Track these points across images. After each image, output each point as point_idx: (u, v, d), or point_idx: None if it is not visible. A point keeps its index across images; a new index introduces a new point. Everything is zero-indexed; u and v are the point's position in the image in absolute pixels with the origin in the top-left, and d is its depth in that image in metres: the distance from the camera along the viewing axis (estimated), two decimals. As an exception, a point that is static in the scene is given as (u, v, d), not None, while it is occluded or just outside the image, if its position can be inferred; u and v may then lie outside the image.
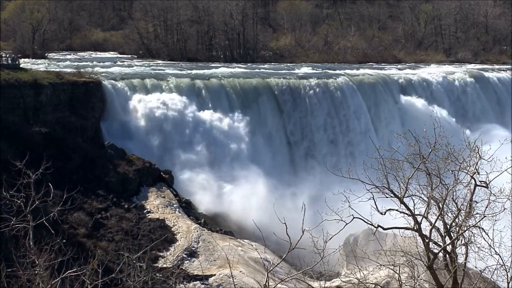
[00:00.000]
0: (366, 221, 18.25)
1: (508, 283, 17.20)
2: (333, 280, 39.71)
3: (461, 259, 18.23)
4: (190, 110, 56.16)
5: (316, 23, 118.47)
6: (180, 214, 47.50)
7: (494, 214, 18.15)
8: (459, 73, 77.74)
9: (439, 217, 18.39)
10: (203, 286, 40.48)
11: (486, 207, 18.15)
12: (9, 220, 16.70)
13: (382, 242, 20.44)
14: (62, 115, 50.16)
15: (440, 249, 18.28)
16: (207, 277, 40.96)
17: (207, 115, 56.74)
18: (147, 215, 46.63)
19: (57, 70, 58.71)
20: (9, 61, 53.05)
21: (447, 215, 18.63)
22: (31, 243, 15.87)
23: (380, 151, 19.60)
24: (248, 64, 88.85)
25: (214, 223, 49.22)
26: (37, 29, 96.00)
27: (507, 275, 17.24)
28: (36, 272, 15.46)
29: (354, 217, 18.26)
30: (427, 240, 18.19)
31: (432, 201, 18.72)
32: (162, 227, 45.47)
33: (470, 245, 18.24)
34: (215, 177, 52.59)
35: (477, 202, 18.45)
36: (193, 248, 43.88)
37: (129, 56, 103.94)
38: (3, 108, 46.37)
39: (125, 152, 50.66)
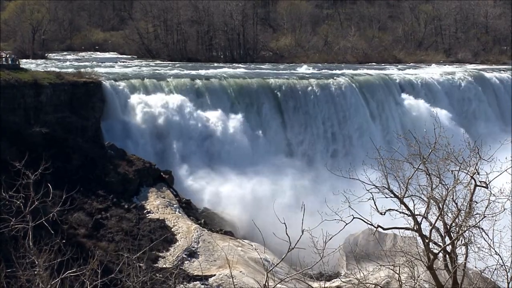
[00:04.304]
0: (366, 221, 18.24)
1: (508, 283, 17.19)
2: (333, 281, 39.76)
3: (461, 259, 18.22)
4: (190, 110, 56.15)
5: (316, 23, 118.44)
6: (180, 214, 47.48)
7: (494, 214, 18.14)
8: (459, 73, 77.73)
9: (439, 218, 18.38)
10: (203, 286, 40.46)
11: (486, 207, 18.14)
12: (8, 220, 16.67)
13: (382, 242, 20.48)
14: (63, 115, 50.16)
15: (440, 249, 18.27)
16: (207, 277, 40.95)
17: (207, 115, 56.75)
18: (147, 215, 46.62)
19: (57, 70, 58.67)
20: (9, 62, 53.02)
21: (447, 215, 18.61)
22: (31, 244, 15.84)
23: (380, 151, 19.60)
24: (248, 64, 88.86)
25: (212, 223, 49.20)
26: (37, 30, 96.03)
27: (507, 275, 17.23)
28: (36, 272, 15.45)
29: (354, 217, 18.25)
30: (427, 240, 18.18)
31: (432, 201, 18.71)
32: (162, 228, 45.46)
33: (470, 245, 18.24)
34: (215, 177, 52.55)
35: (477, 202, 18.44)
36: (193, 249, 43.87)
37: (129, 56, 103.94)
38: (3, 108, 46.41)
39: (125, 152, 50.65)
